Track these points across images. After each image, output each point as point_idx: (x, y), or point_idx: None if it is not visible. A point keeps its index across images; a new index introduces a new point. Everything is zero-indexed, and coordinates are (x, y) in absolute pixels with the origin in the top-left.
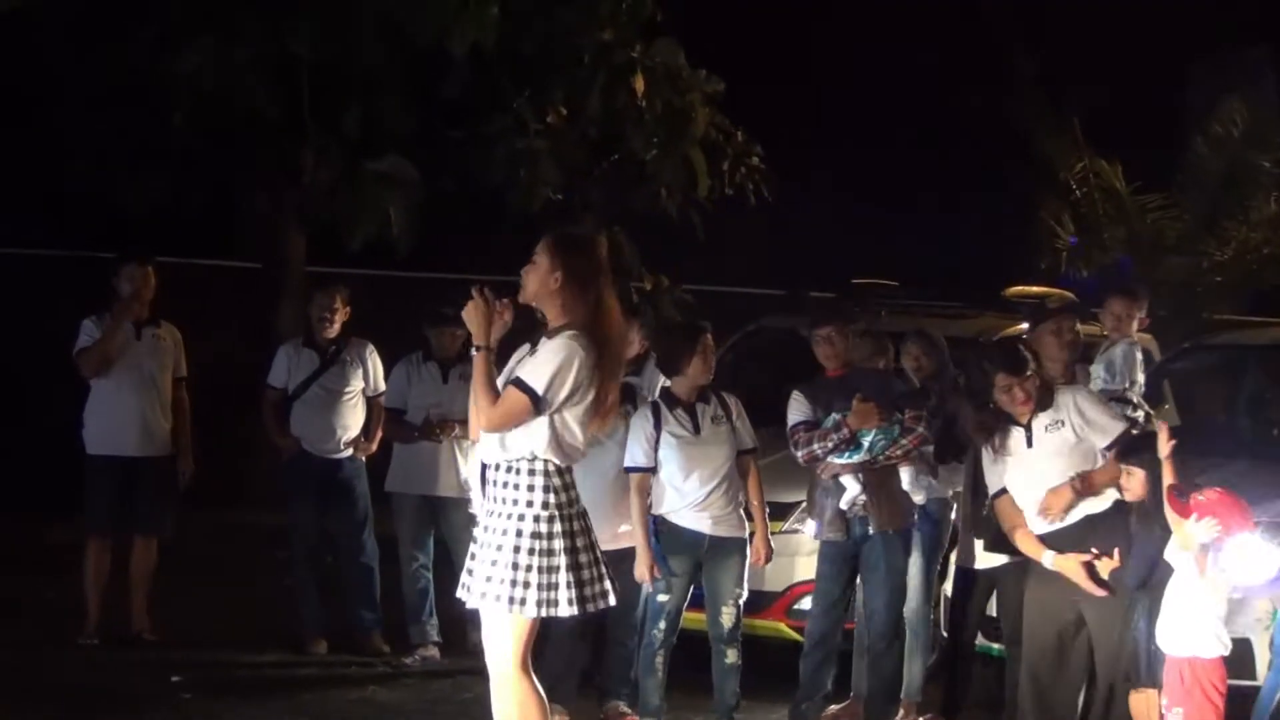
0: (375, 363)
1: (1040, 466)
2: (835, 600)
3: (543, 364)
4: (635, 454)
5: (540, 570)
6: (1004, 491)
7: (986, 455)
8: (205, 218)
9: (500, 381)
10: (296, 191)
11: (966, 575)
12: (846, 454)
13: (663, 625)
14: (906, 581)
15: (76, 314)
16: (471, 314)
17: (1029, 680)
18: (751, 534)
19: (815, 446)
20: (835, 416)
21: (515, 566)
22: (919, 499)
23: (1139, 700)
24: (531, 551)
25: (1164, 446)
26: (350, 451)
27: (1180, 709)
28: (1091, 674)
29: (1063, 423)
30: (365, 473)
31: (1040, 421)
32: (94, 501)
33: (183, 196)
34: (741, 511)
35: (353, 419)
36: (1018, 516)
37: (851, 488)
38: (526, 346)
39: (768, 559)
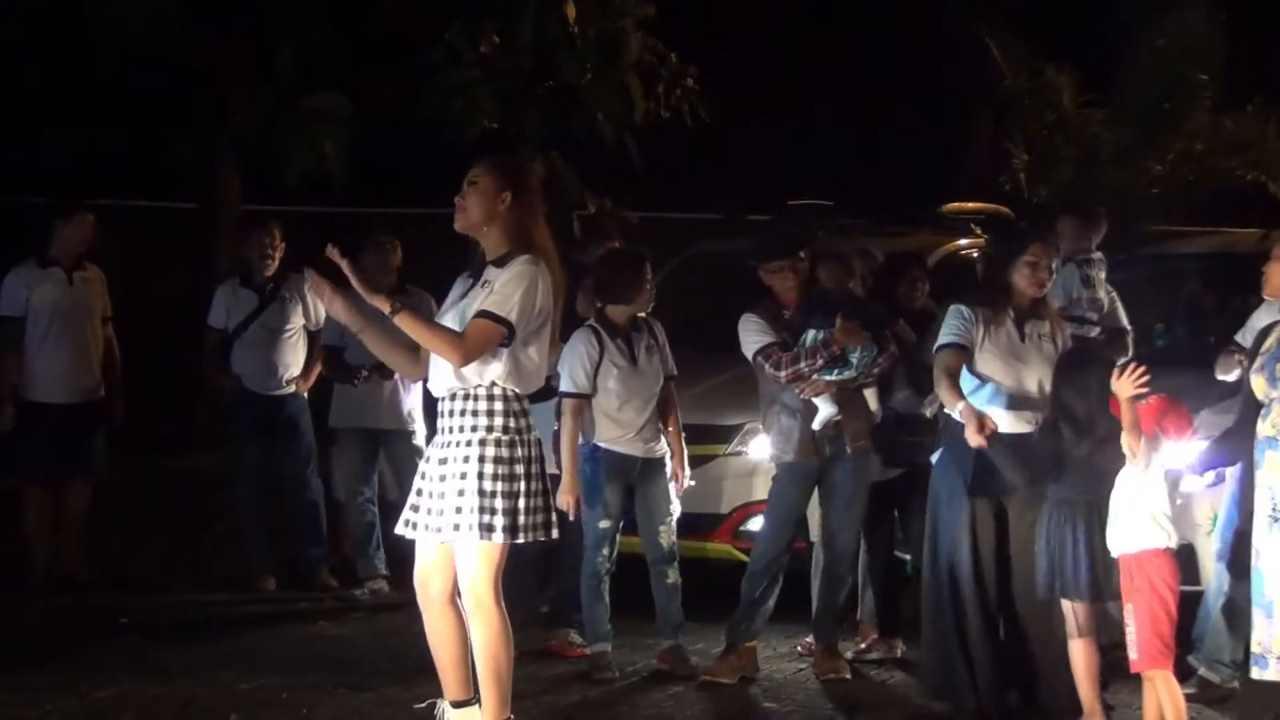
0: (314, 297)
1: (1030, 362)
2: (792, 522)
3: (509, 292)
4: (577, 377)
5: (505, 495)
6: (959, 347)
7: (962, 317)
8: (140, 159)
9: (453, 314)
10: (229, 131)
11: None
12: (835, 372)
13: (605, 551)
14: (867, 504)
15: (6, 264)
16: (353, 319)
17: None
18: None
19: (803, 365)
20: (816, 335)
21: (481, 494)
22: (879, 418)
23: (1078, 648)
24: (496, 477)
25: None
26: (293, 389)
27: (1130, 605)
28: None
29: (1052, 338)
30: (308, 409)
31: (1033, 326)
32: (30, 449)
33: (112, 141)
34: (662, 435)
35: (294, 356)
36: (957, 370)
37: (826, 409)
38: (466, 278)
39: (683, 484)
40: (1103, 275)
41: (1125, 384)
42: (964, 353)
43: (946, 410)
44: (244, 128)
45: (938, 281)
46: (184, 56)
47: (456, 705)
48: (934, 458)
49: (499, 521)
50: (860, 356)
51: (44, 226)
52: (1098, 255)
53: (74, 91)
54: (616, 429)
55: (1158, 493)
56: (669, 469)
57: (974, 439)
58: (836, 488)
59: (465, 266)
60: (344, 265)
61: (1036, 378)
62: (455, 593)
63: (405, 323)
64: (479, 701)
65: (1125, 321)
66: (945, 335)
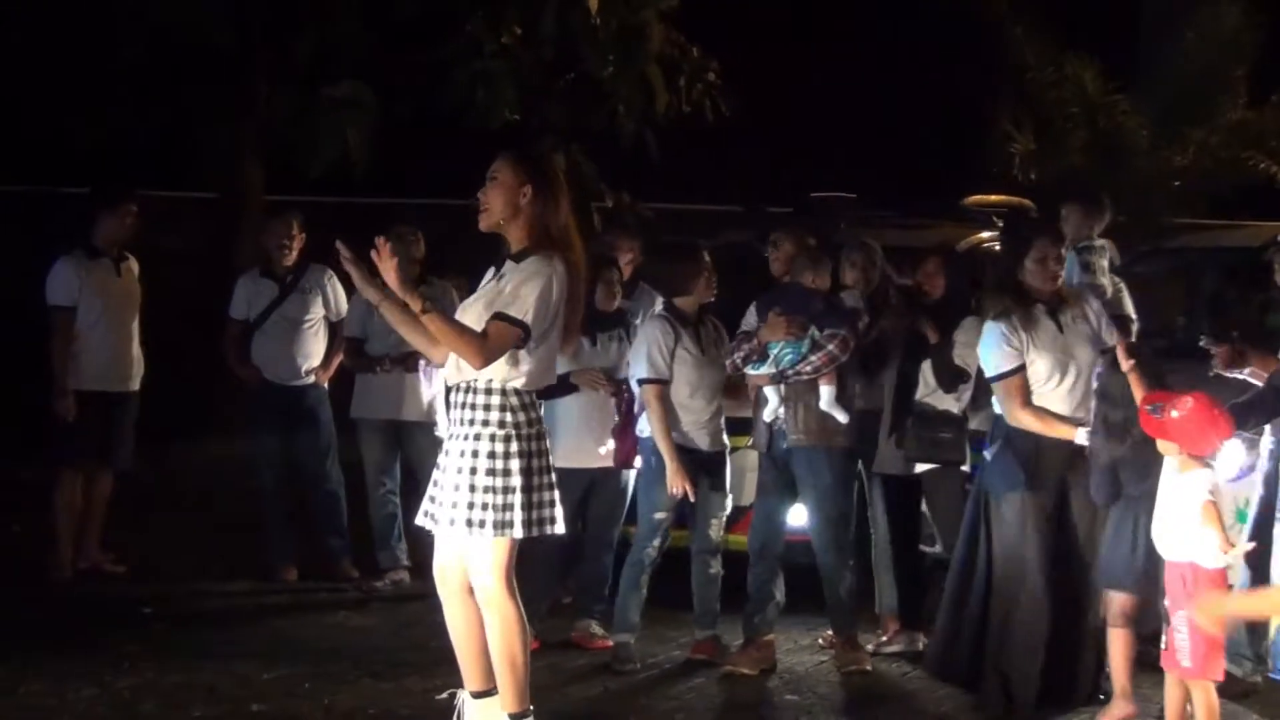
0: (335, 288)
1: (1080, 347)
2: (771, 511)
3: (524, 292)
4: (656, 363)
5: (494, 491)
6: (1017, 370)
7: (1003, 335)
8: (163, 149)
9: (474, 309)
10: (253, 121)
11: (894, 483)
12: (755, 365)
13: (656, 542)
14: (843, 498)
15: (34, 250)
16: (371, 291)
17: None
18: (732, 450)
19: (735, 356)
20: (748, 328)
21: (473, 489)
22: (841, 418)
23: (1120, 637)
24: (490, 472)
25: (1124, 361)
26: (312, 379)
27: (1184, 612)
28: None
29: (1085, 318)
30: (328, 400)
31: (1065, 313)
32: (72, 436)
33: (136, 130)
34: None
35: (314, 347)
36: (1028, 393)
37: (771, 400)
38: (491, 272)
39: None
40: (1105, 263)
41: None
42: (1023, 370)
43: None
44: (267, 117)
45: (961, 273)
46: (208, 44)
47: (477, 696)
48: (987, 453)
49: (488, 516)
50: (780, 351)
51: (85, 216)
52: (1100, 243)
53: (99, 80)
54: (687, 416)
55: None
56: (729, 464)
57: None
58: (798, 480)
59: (490, 258)
60: (348, 264)
61: (1089, 360)
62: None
63: (433, 323)
64: (498, 692)
65: (1130, 309)
66: (996, 362)
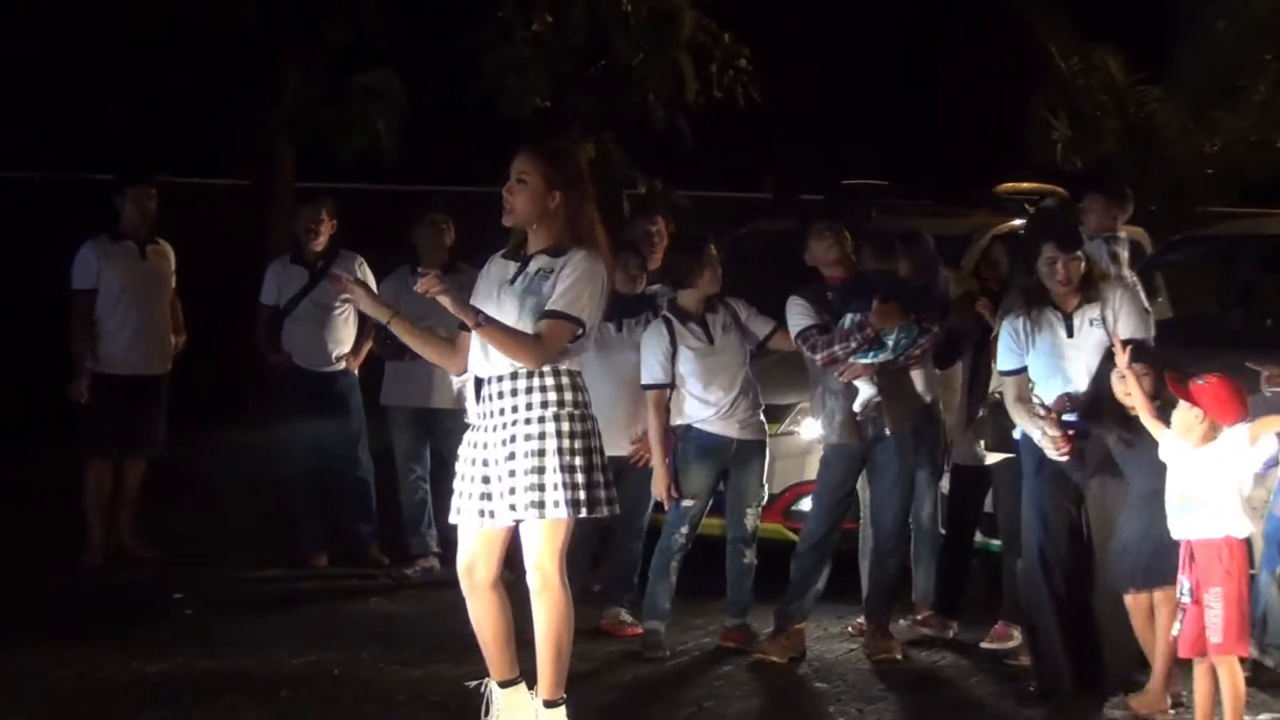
0: (366, 274)
1: (1077, 358)
2: (838, 502)
3: (579, 291)
4: (653, 370)
5: (585, 470)
6: (1016, 371)
7: (1011, 334)
8: (194, 136)
9: (510, 303)
10: (282, 108)
11: (964, 473)
12: (870, 354)
13: (685, 530)
14: (913, 485)
15: (70, 239)
16: (381, 311)
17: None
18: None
19: (837, 348)
20: (853, 317)
21: (567, 469)
22: (929, 400)
23: (1133, 602)
24: (574, 451)
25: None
26: (343, 365)
27: (1219, 588)
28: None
29: (1106, 319)
30: (359, 386)
31: (1084, 314)
32: (97, 421)
33: (167, 117)
34: (762, 414)
35: (344, 333)
36: (1024, 391)
37: (865, 390)
38: (504, 259)
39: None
40: (1125, 255)
41: (1122, 359)
42: (1023, 371)
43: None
44: (297, 104)
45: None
46: (239, 31)
47: (504, 685)
48: (1016, 433)
49: (582, 496)
50: (897, 338)
51: (109, 201)
52: (1122, 234)
53: (130, 67)
54: (706, 408)
55: (1246, 477)
56: (767, 453)
57: (1053, 454)
58: (879, 469)
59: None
60: (350, 288)
61: (1085, 368)
62: (499, 577)
63: (489, 334)
64: (524, 680)
65: (1144, 303)
66: (1002, 359)
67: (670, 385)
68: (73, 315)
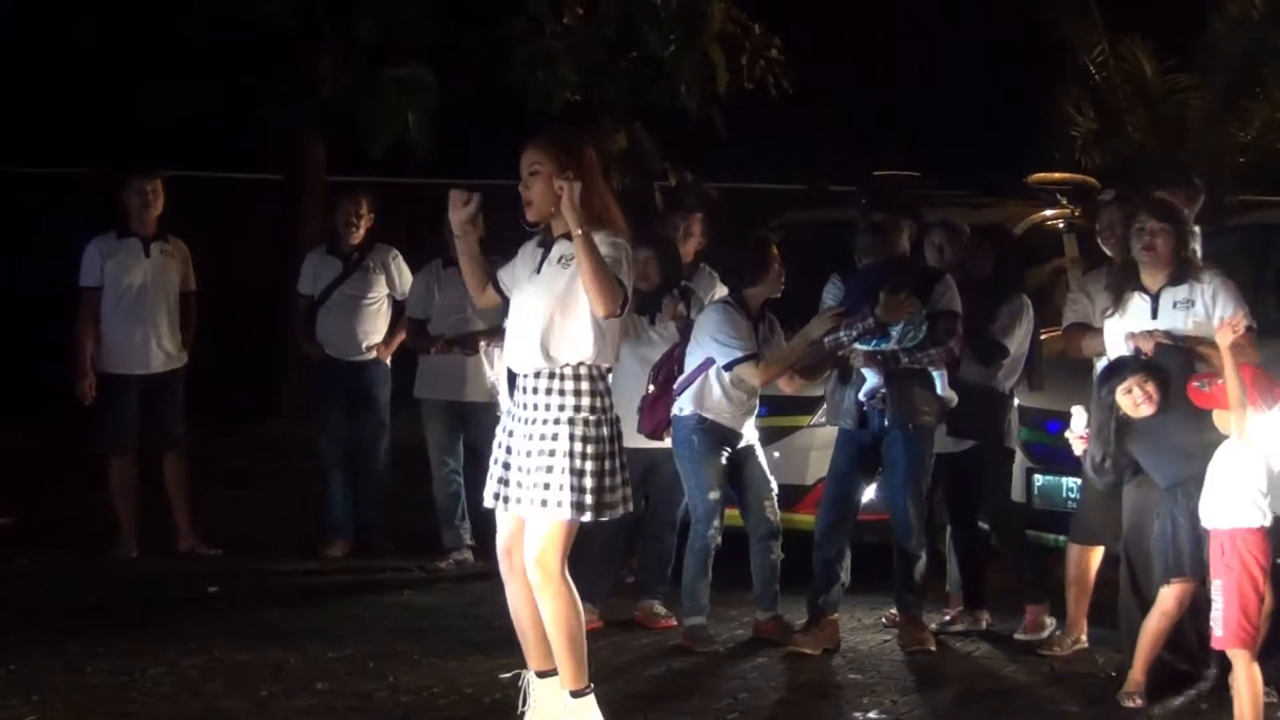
0: (400, 267)
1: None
2: (846, 490)
3: (612, 262)
4: (746, 339)
5: (594, 474)
6: (1078, 326)
7: (1080, 302)
8: (226, 131)
9: (539, 292)
10: (314, 101)
11: (940, 463)
12: (874, 342)
13: (715, 524)
14: (928, 477)
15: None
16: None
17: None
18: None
19: (841, 333)
20: (867, 307)
21: (575, 472)
22: (951, 399)
23: (1167, 594)
24: (585, 456)
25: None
26: (373, 355)
27: (1219, 581)
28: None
29: (1194, 303)
30: (389, 379)
31: (1170, 295)
32: (111, 420)
33: (201, 110)
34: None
35: (376, 324)
36: (1075, 349)
37: (871, 379)
38: (536, 246)
39: None
40: (1198, 249)
41: (1225, 332)
42: (1080, 329)
43: None
44: (329, 98)
45: (1023, 252)
46: (271, 23)
47: (541, 675)
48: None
49: (588, 500)
50: (903, 330)
51: (115, 197)
52: (1196, 229)
53: (163, 61)
54: (726, 402)
55: (1256, 468)
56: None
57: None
58: (887, 461)
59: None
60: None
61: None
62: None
63: (584, 247)
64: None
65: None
66: (1066, 314)
67: (757, 356)
68: (79, 312)
